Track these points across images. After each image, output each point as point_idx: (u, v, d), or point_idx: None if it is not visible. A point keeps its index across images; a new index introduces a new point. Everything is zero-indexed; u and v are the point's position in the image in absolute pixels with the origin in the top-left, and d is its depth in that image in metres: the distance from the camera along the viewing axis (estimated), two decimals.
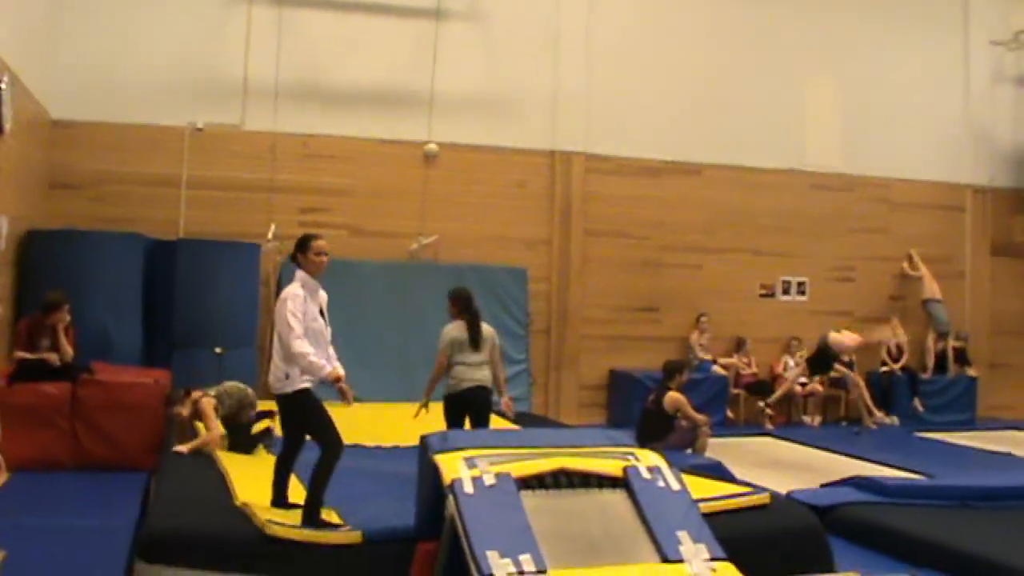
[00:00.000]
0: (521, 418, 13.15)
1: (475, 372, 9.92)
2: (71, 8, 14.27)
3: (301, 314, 7.43)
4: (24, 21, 12.16)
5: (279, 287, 14.21)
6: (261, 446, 10.58)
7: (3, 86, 10.56)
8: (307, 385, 7.54)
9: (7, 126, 10.78)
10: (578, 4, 16.47)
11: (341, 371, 7.56)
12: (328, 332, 7.77)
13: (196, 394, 10.58)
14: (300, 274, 7.67)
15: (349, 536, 7.23)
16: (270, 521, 7.20)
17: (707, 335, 16.73)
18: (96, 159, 14.33)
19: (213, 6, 14.97)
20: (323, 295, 7.77)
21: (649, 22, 16.89)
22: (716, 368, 16.52)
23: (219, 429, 10.30)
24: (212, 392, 10.65)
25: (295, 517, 7.48)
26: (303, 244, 7.72)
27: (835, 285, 17.80)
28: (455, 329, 10.00)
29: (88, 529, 8.52)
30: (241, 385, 10.98)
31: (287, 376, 7.48)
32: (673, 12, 17.00)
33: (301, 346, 7.32)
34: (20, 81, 11.61)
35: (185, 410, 10.54)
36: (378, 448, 11.08)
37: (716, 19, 17.19)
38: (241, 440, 10.52)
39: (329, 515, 7.59)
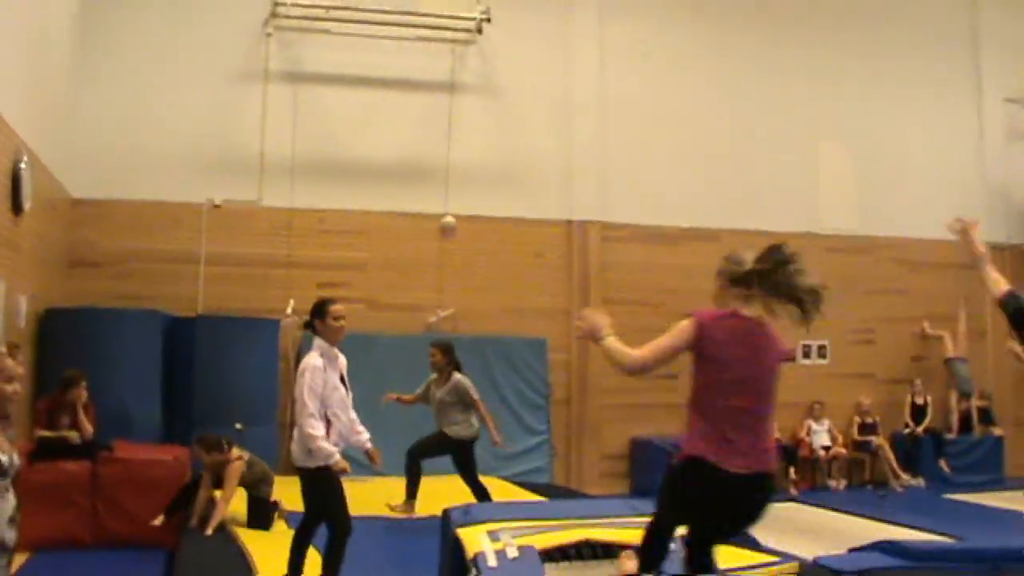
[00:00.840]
0: (543, 489, 13.09)
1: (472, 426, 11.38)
2: (89, 87, 14.43)
3: (320, 387, 7.40)
4: (42, 100, 12.28)
5: (298, 362, 14.21)
6: (279, 519, 10.54)
7: (23, 166, 10.65)
8: (330, 463, 7.46)
9: (27, 205, 10.86)
10: (590, 74, 16.57)
11: (346, 465, 7.50)
12: (349, 398, 7.75)
13: (235, 453, 10.51)
14: (318, 342, 7.63)
15: None
16: None
17: None
18: (115, 236, 14.43)
19: (229, 83, 15.13)
20: (343, 360, 7.74)
21: (661, 89, 16.96)
22: None
23: (233, 496, 10.25)
24: (246, 456, 10.59)
25: None
26: (320, 310, 7.66)
27: (856, 347, 17.70)
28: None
29: None
30: (259, 461, 10.92)
31: (309, 451, 7.42)
32: (686, 79, 17.08)
33: (312, 427, 7.31)
34: (39, 160, 11.72)
35: (212, 458, 10.42)
36: (398, 520, 10.99)
37: (729, 85, 17.26)
38: (260, 514, 10.47)
39: None
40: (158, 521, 10.11)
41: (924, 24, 18.38)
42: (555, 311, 16.11)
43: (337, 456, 7.39)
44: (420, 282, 15.57)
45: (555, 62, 16.52)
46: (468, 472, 11.29)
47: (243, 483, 10.42)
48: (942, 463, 17.03)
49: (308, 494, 7.70)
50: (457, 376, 11.24)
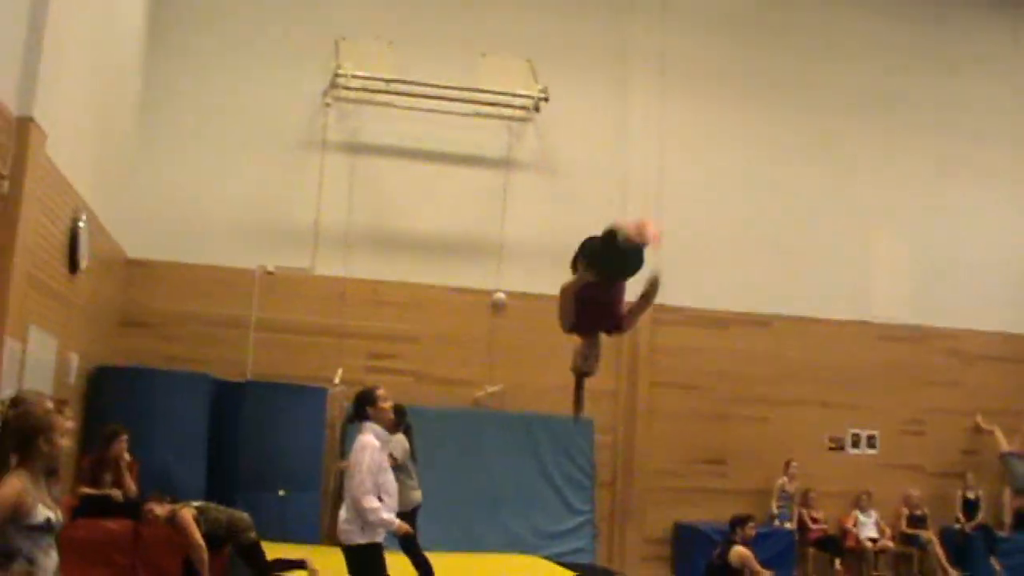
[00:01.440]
0: (585, 570, 12.96)
1: (416, 490, 10.98)
2: (150, 150, 14.64)
3: (376, 466, 7.63)
4: (104, 161, 12.47)
5: (345, 432, 14.23)
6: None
7: (81, 224, 10.79)
8: (379, 540, 7.64)
9: (83, 263, 10.98)
10: (648, 154, 16.63)
11: (408, 528, 7.94)
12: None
13: (178, 505, 10.29)
14: (372, 426, 7.80)
15: None
16: None
17: (796, 483, 16.45)
18: (168, 298, 14.56)
19: (288, 152, 15.32)
20: (400, 437, 8.36)
21: (717, 172, 16.97)
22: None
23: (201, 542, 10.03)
24: (194, 504, 10.41)
25: None
26: (370, 397, 7.89)
27: (906, 438, 17.45)
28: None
29: None
30: (224, 508, 10.70)
31: (362, 528, 7.56)
32: (742, 161, 17.08)
33: (369, 501, 7.48)
34: (97, 219, 11.88)
35: (162, 511, 10.21)
36: None
37: (785, 169, 17.24)
38: (254, 561, 10.37)
39: None
40: None
41: (987, 113, 18.30)
42: (603, 392, 15.98)
43: (397, 522, 7.75)
44: (470, 357, 15.56)
45: (611, 141, 16.61)
46: (410, 543, 10.51)
47: (213, 534, 10.17)
48: (993, 561, 16.64)
49: (356, 570, 7.73)
50: (397, 438, 10.67)
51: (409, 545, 10.24)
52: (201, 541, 9.94)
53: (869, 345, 17.32)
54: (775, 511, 16.11)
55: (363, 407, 7.86)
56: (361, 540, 7.55)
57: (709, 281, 16.67)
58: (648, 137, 16.71)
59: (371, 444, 7.66)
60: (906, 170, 17.77)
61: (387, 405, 7.90)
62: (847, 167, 17.54)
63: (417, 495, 11.06)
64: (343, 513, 7.70)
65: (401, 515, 10.06)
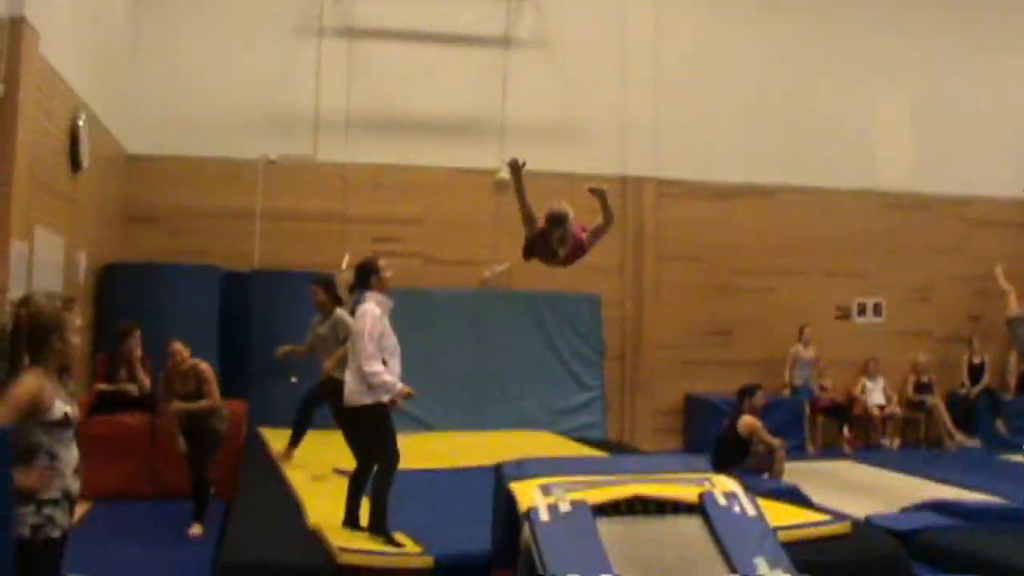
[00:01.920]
0: (597, 444, 13.13)
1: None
2: (146, 45, 14.52)
3: (378, 334, 7.86)
4: (100, 59, 12.38)
5: (353, 315, 14.30)
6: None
7: (81, 123, 10.77)
8: (385, 399, 7.89)
9: (85, 162, 10.98)
10: (645, 28, 16.45)
11: (410, 389, 7.98)
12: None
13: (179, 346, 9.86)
14: (375, 295, 8.09)
15: (421, 561, 7.26)
16: (342, 548, 7.24)
17: (812, 349, 16.61)
18: (172, 193, 14.56)
19: (284, 39, 15.18)
20: (391, 305, 8.21)
21: (717, 44, 16.78)
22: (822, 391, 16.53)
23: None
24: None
25: (366, 540, 7.53)
26: (372, 268, 8.17)
27: (913, 305, 17.53)
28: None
29: (168, 559, 8.62)
30: None
31: (367, 390, 7.84)
32: (742, 34, 16.88)
33: (374, 365, 7.75)
34: (97, 118, 11.85)
35: (187, 353, 9.83)
36: (449, 471, 11.03)
37: (786, 39, 17.03)
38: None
39: (403, 540, 7.62)
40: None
41: None
42: (610, 267, 16.07)
43: (400, 384, 7.89)
44: (475, 237, 15.57)
45: (610, 16, 16.40)
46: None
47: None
48: (999, 424, 16.86)
49: (363, 431, 8.10)
50: (337, 312, 10.89)
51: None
52: (219, 396, 9.77)
53: (875, 213, 17.30)
54: (794, 381, 16.26)
55: (368, 277, 8.13)
56: (367, 400, 7.85)
57: (711, 154, 16.60)
58: (646, 10, 16.49)
59: (370, 312, 7.90)
60: (912, 34, 17.46)
61: (388, 275, 8.18)
62: (851, 32, 17.28)
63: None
64: (348, 379, 7.99)
65: (334, 383, 9.83)
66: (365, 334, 7.79)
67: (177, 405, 9.61)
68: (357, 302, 8.74)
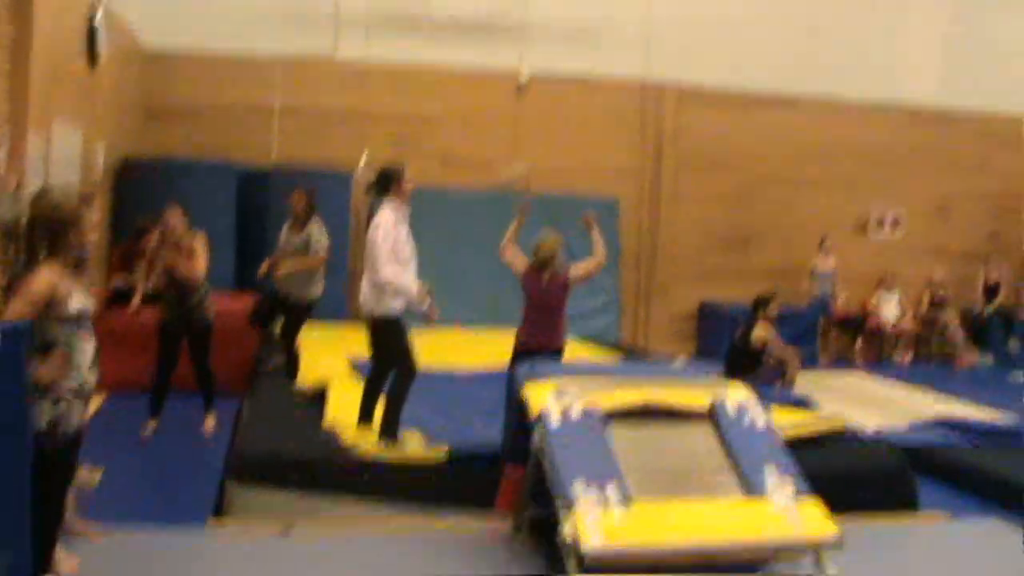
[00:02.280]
0: (612, 346, 13.21)
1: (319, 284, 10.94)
2: None
3: (393, 240, 7.76)
4: None
5: (370, 214, 14.31)
6: None
7: (99, 16, 10.68)
8: (398, 311, 7.85)
9: (103, 56, 10.91)
10: None
11: (427, 293, 7.94)
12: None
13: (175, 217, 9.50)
14: (392, 201, 7.94)
15: (435, 455, 7.37)
16: (357, 444, 7.34)
17: (832, 259, 16.50)
18: (190, 89, 14.49)
19: None
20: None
21: None
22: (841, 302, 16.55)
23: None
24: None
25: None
26: (396, 176, 7.99)
27: (931, 220, 17.43)
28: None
29: (181, 451, 8.75)
30: None
31: (379, 300, 7.79)
32: None
33: (392, 274, 7.68)
34: (114, 12, 11.73)
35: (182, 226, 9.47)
36: (464, 372, 11.13)
37: None
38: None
39: (413, 436, 7.73)
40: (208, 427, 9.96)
41: None
42: (627, 172, 16.03)
43: (416, 289, 7.83)
44: (494, 138, 15.50)
45: None
46: (291, 336, 10.89)
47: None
48: (1012, 343, 16.83)
49: (379, 341, 8.03)
50: (313, 226, 10.63)
51: (292, 334, 10.78)
52: (201, 274, 9.35)
53: (898, 127, 17.15)
54: (812, 291, 16.22)
55: (387, 183, 7.99)
56: (379, 312, 7.84)
57: (735, 60, 16.33)
58: None
59: (387, 220, 7.81)
60: None
61: (411, 186, 8.03)
62: None
63: (318, 289, 10.75)
64: (364, 288, 7.97)
65: (298, 306, 10.58)
66: (379, 241, 7.72)
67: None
68: (373, 205, 8.75)
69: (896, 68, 17.03)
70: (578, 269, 8.39)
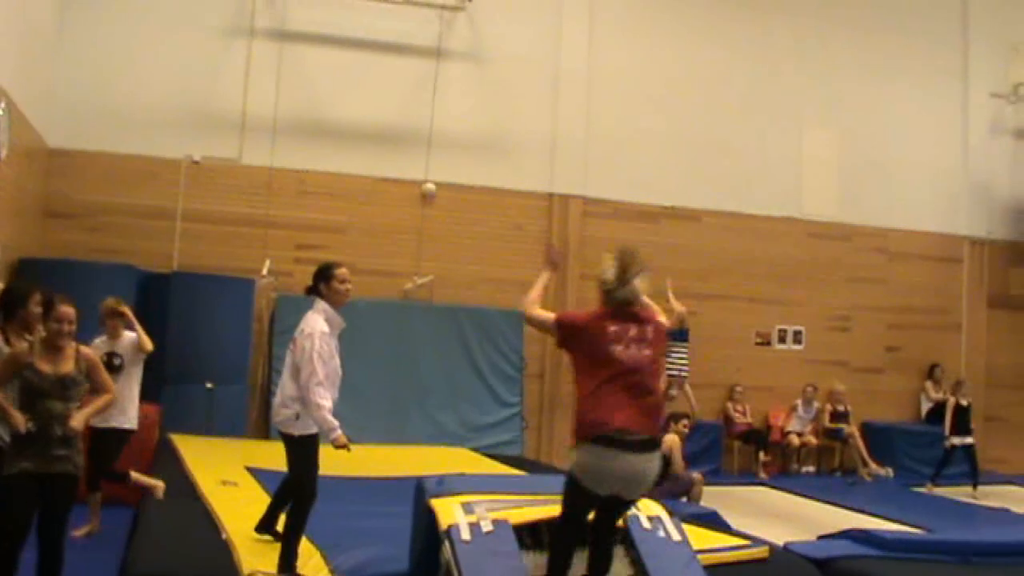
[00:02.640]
0: (514, 461, 13.03)
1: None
2: (71, 37, 14.21)
3: (328, 354, 7.17)
4: (23, 49, 12.08)
5: (272, 323, 14.13)
6: None
7: (0, 112, 10.47)
8: (315, 431, 7.25)
9: (3, 153, 10.71)
10: (578, 47, 16.45)
11: (346, 440, 7.15)
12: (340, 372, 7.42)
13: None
14: (322, 306, 7.32)
15: None
16: (257, 572, 7.01)
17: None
18: (92, 189, 14.24)
19: (214, 39, 14.93)
20: (343, 326, 7.44)
21: (649, 67, 16.85)
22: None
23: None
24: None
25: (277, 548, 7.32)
26: (326, 273, 7.38)
27: (832, 334, 17.69)
28: None
29: (73, 566, 8.35)
30: None
31: (298, 417, 7.20)
32: (673, 57, 16.99)
33: (320, 396, 7.05)
34: (18, 108, 11.54)
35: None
36: (365, 480, 10.84)
37: (716, 66, 17.17)
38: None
39: (312, 557, 7.37)
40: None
41: (914, 15, 18.33)
42: (531, 283, 15.97)
43: (339, 431, 7.12)
44: (399, 248, 15.47)
45: (544, 33, 16.38)
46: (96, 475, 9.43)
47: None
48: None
49: (288, 457, 7.45)
50: (125, 337, 9.68)
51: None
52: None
53: (798, 242, 17.46)
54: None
55: (317, 282, 7.37)
56: (295, 431, 7.23)
57: (639, 175, 16.67)
58: (580, 29, 16.51)
59: (319, 330, 7.13)
60: (839, 67, 17.80)
61: (344, 287, 7.36)
62: (780, 62, 17.51)
63: (133, 413, 9.55)
64: (279, 395, 7.36)
65: (116, 432, 9.28)
66: (315, 356, 7.04)
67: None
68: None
69: (797, 184, 17.44)
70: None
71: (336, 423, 7.11)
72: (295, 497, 7.35)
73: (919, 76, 18.31)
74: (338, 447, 7.11)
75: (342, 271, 7.40)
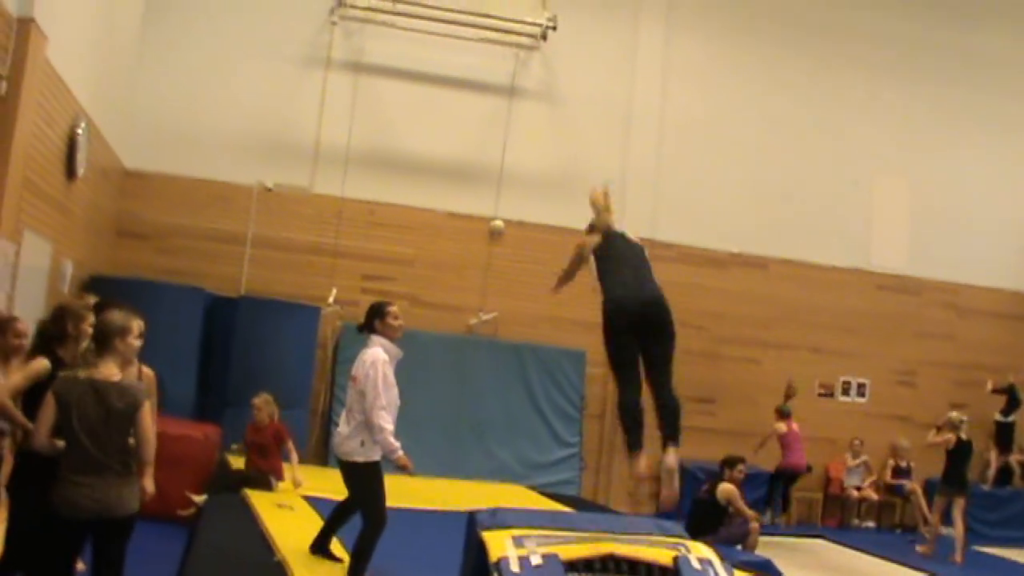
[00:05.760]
0: (570, 501, 12.99)
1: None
2: (152, 60, 14.50)
3: (389, 384, 7.46)
4: (105, 71, 12.32)
5: (336, 352, 14.23)
6: None
7: (80, 131, 10.67)
8: (379, 458, 7.47)
9: (80, 171, 10.88)
10: (651, 90, 16.48)
11: (408, 461, 7.49)
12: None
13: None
14: (380, 340, 7.61)
15: None
16: None
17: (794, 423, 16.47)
18: (165, 211, 14.47)
19: (291, 68, 15.15)
20: (399, 355, 7.74)
21: (721, 111, 16.82)
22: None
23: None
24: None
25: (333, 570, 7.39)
26: (380, 311, 7.71)
27: (896, 388, 17.47)
28: None
29: None
30: None
31: (363, 444, 7.40)
32: (746, 102, 16.93)
33: (383, 419, 7.33)
34: (97, 129, 11.77)
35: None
36: (420, 512, 10.86)
37: (787, 113, 17.10)
38: None
39: None
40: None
41: (988, 67, 18.08)
42: (596, 324, 15.78)
43: (401, 452, 7.43)
44: (464, 283, 15.54)
45: (617, 74, 16.44)
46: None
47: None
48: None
49: (353, 488, 7.66)
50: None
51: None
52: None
53: (865, 293, 17.29)
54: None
55: (371, 319, 7.69)
56: (360, 459, 7.42)
57: (705, 219, 16.62)
58: (653, 72, 16.55)
59: (382, 359, 7.46)
60: (915, 119, 17.63)
61: (397, 323, 7.71)
62: (852, 111, 17.39)
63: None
64: (343, 426, 7.57)
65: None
66: (378, 382, 7.35)
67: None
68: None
69: (866, 236, 17.29)
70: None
71: (398, 444, 7.39)
72: (366, 521, 7.47)
73: (993, 128, 18.07)
74: (400, 467, 7.45)
75: (394, 309, 7.80)
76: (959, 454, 14.53)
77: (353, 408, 7.50)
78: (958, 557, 14.21)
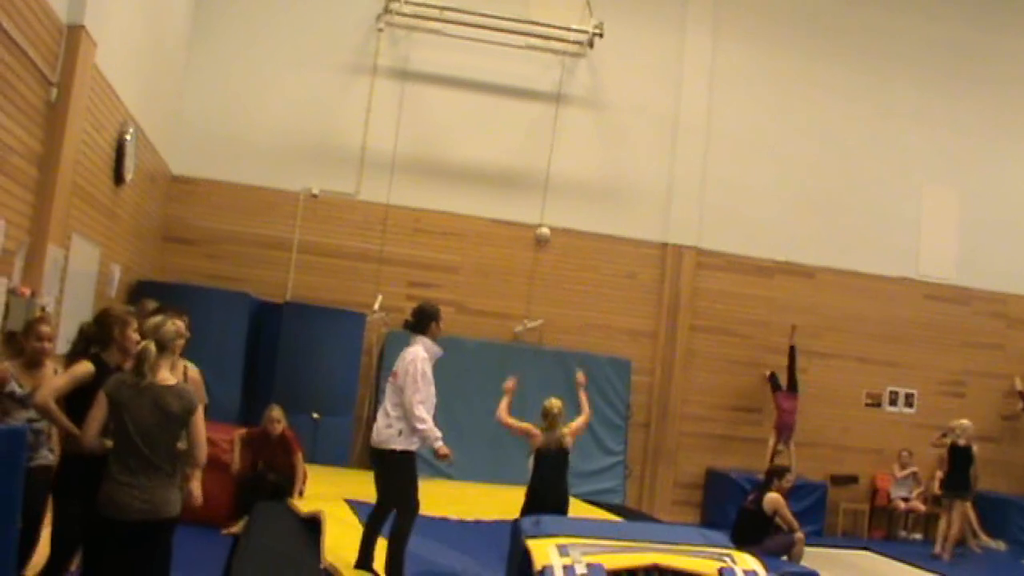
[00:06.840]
0: (615, 509, 12.94)
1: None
2: (200, 67, 14.60)
3: (428, 381, 7.90)
4: (153, 78, 12.41)
5: (381, 358, 14.25)
6: None
7: (128, 137, 10.75)
8: (415, 448, 7.82)
9: (128, 176, 10.97)
10: (698, 97, 16.41)
11: (448, 451, 7.91)
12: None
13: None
14: (425, 340, 8.08)
15: None
16: None
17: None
18: (211, 216, 14.56)
19: (337, 75, 15.20)
20: (440, 353, 8.25)
21: (768, 120, 16.72)
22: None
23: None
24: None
25: None
26: (436, 315, 8.21)
27: (945, 399, 17.25)
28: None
29: None
30: None
31: (400, 433, 7.76)
32: (792, 111, 16.82)
33: (422, 412, 7.73)
34: (145, 135, 11.85)
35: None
36: (464, 521, 10.88)
37: (835, 122, 16.98)
38: None
39: None
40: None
41: None
42: (642, 333, 15.94)
43: (442, 442, 7.81)
44: (510, 290, 15.52)
45: (664, 82, 16.38)
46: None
47: None
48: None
49: (388, 474, 7.91)
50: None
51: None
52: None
53: (913, 303, 17.12)
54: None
55: (427, 322, 8.13)
56: (398, 446, 7.75)
57: (754, 228, 16.51)
58: (700, 78, 16.48)
59: (422, 356, 7.91)
60: (962, 124, 17.44)
61: (441, 327, 8.23)
62: (901, 119, 17.23)
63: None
64: (381, 419, 7.91)
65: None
66: (418, 376, 7.77)
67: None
68: None
69: (914, 244, 17.12)
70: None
71: (439, 433, 7.80)
72: (401, 510, 7.77)
73: None
74: (440, 456, 7.85)
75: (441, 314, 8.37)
76: (957, 460, 14.70)
77: (390, 402, 7.90)
78: (944, 554, 14.41)
